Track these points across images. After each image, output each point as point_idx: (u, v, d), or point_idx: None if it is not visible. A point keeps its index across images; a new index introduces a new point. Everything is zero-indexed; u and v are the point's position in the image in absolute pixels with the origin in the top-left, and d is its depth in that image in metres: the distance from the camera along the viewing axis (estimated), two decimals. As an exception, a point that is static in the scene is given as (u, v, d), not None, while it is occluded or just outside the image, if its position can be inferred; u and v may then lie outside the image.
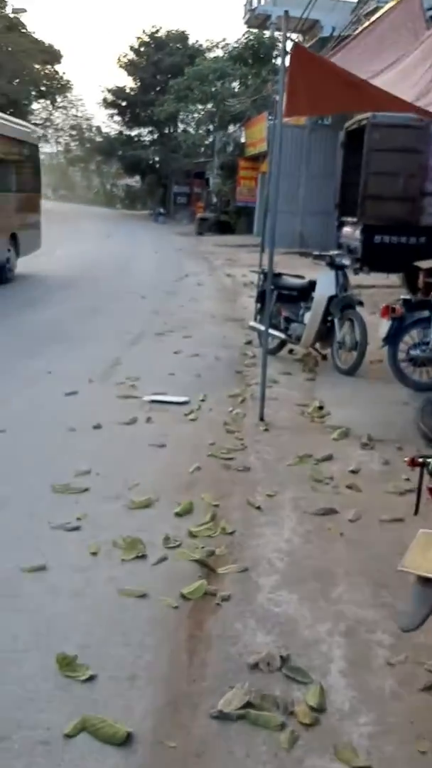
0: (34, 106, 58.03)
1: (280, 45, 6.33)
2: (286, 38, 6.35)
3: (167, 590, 3.31)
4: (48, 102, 59.50)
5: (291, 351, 8.24)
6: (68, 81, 59.71)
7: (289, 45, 5.99)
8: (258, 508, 4.21)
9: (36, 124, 60.43)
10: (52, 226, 35.86)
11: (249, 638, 3.01)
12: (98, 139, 61.08)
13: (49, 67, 57.23)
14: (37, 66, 54.22)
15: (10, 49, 49.00)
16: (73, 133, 64.29)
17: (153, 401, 6.20)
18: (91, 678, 2.72)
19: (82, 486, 4.35)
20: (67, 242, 25.13)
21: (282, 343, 8.02)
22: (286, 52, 5.91)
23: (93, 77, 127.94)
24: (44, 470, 4.57)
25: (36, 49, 52.36)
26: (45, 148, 73.59)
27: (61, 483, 4.36)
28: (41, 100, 58.69)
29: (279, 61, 6.17)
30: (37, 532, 3.78)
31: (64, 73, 79.70)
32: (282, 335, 7.79)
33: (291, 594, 3.34)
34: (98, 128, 61.37)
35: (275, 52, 28.79)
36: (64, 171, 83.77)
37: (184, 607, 3.21)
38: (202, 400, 6.31)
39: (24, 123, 16.64)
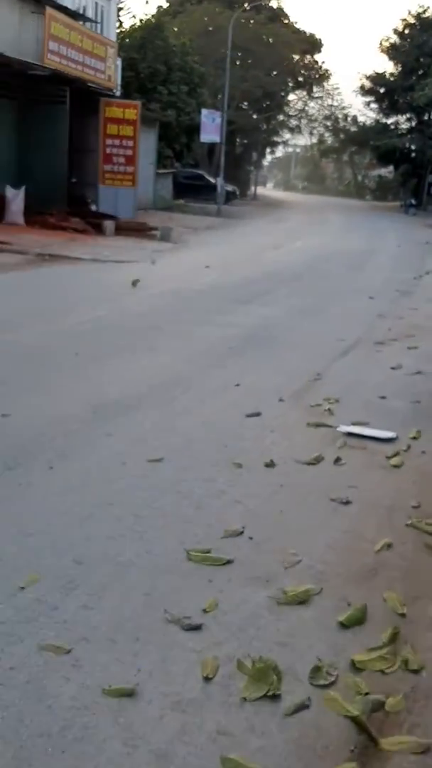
0: (290, 97, 57.85)
1: None
2: None
3: (297, 770, 2.15)
4: (304, 92, 59.14)
5: None
6: (327, 70, 58.98)
7: None
8: (466, 628, 2.87)
9: (290, 116, 60.52)
10: (296, 218, 35.44)
11: None
12: (353, 128, 59.60)
13: (308, 56, 56.79)
14: (296, 56, 53.96)
15: (271, 40, 49.16)
16: (327, 123, 63.26)
17: (349, 434, 4.96)
18: None
19: (226, 555, 3.28)
20: (307, 234, 24.32)
21: None
22: None
23: (350, 65, 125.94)
24: (187, 524, 3.57)
25: (296, 39, 52.08)
26: (299, 140, 73.62)
27: (200, 549, 3.33)
28: (297, 91, 58.44)
29: None
30: (146, 626, 2.77)
31: (323, 62, 79.18)
32: None
33: None
34: (354, 117, 59.85)
35: None
36: (316, 163, 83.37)
37: None
38: (414, 438, 4.96)
39: None
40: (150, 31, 31.66)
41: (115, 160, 22.40)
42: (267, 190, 77.72)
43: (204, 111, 30.04)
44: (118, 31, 32.05)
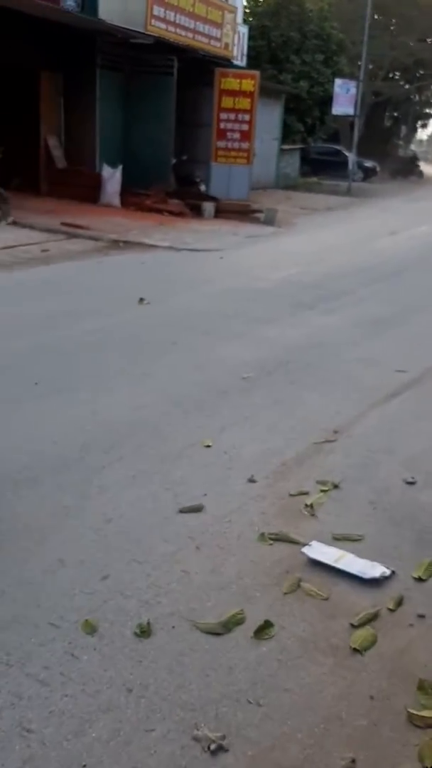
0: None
1: None
2: None
3: None
4: (462, 61, 54.35)
5: None
6: None
7: None
8: None
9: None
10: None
11: None
12: None
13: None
14: (454, 21, 49.54)
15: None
16: None
17: (316, 562, 3.14)
18: None
19: None
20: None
21: None
22: None
23: None
24: None
25: (455, 1, 47.65)
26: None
27: None
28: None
29: None
30: None
31: None
32: None
33: None
34: None
35: None
36: None
37: None
38: (420, 579, 3.07)
39: None
40: (285, -5, 29.46)
41: (229, 136, 20.73)
42: (423, 167, 72.84)
43: (338, 80, 27.42)
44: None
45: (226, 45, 21.06)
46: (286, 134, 28.28)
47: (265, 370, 5.87)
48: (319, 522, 3.49)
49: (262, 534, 3.33)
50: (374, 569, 3.05)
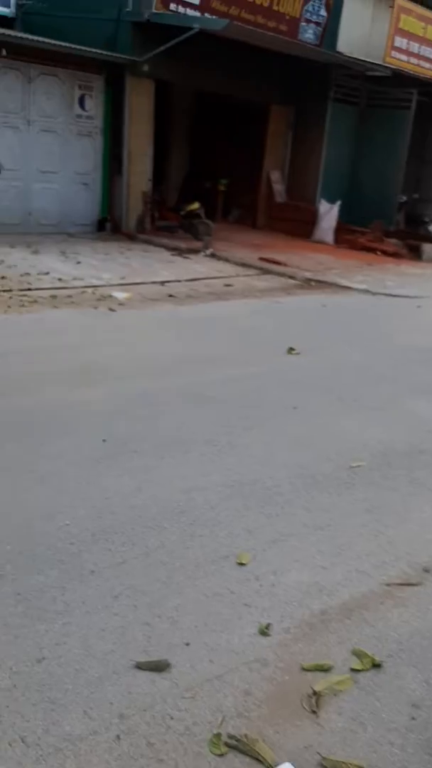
0: None
1: None
2: None
3: None
4: None
5: None
6: None
7: None
8: None
9: None
10: None
11: None
12: None
13: None
14: None
15: None
16: None
17: None
18: None
19: None
20: None
21: None
22: None
23: None
24: None
25: None
26: None
27: None
28: None
29: None
30: None
31: None
32: None
33: None
34: None
35: None
36: None
37: None
38: None
39: None
40: None
41: (470, 174, 19.07)
42: None
43: None
44: None
45: None
46: None
47: (387, 459, 4.70)
48: (317, 727, 2.37)
49: (218, 735, 2.30)
50: None
